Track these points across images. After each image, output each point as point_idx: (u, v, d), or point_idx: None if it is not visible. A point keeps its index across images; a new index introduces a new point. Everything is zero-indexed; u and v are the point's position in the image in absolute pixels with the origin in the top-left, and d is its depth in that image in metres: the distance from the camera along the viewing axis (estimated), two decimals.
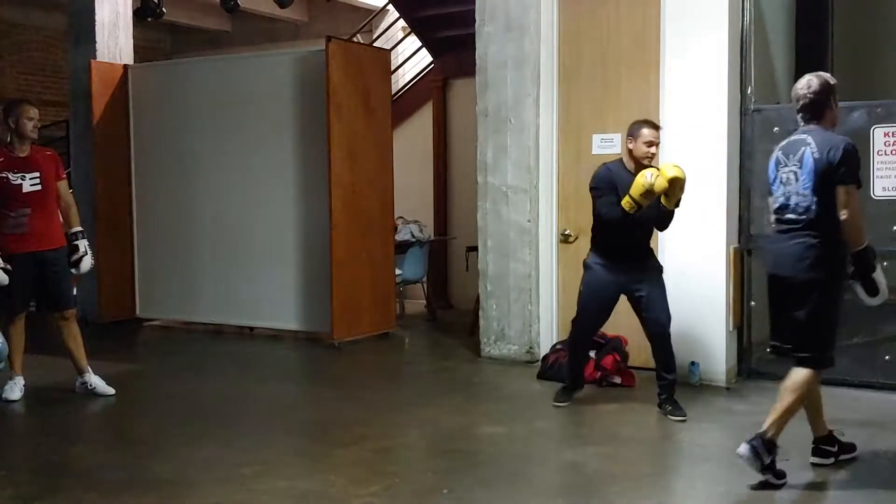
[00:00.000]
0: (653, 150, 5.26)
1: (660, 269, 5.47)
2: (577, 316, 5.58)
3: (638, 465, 4.59)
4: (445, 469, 4.47)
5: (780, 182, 4.27)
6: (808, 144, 4.17)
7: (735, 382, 6.14)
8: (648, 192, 4.98)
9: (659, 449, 4.93)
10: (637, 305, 5.40)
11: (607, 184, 5.29)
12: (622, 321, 6.49)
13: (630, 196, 5.04)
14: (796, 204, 4.19)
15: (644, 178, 5.00)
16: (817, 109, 4.24)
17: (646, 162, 5.24)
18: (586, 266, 5.48)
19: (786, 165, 4.25)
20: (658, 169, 5.06)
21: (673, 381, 5.41)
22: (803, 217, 4.16)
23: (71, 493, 4.19)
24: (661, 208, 5.17)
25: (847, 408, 5.55)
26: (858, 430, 4.77)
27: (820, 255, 4.11)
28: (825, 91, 4.22)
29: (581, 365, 5.72)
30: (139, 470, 4.49)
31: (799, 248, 4.15)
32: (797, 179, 4.18)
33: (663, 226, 5.44)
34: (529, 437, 5.07)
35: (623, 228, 5.22)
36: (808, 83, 4.25)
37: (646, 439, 5.04)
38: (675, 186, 5.01)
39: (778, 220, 4.30)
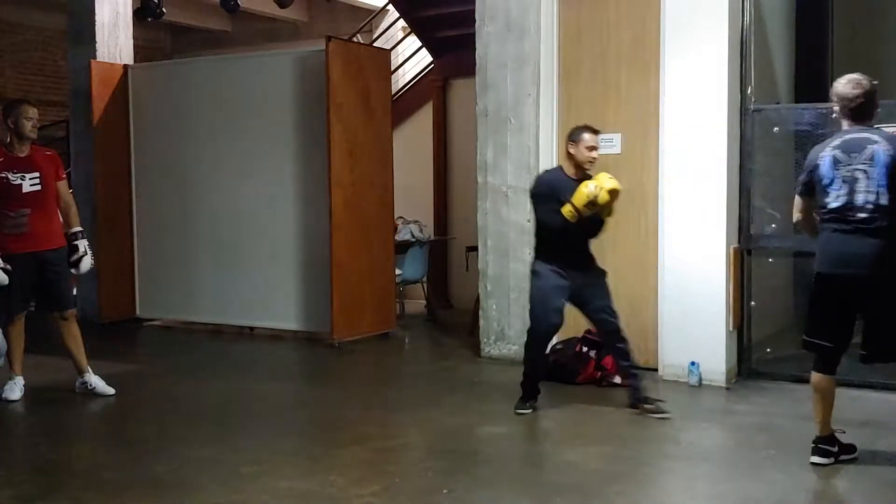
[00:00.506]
0: (594, 154, 5.33)
1: (604, 272, 5.50)
2: (531, 324, 5.53)
3: (638, 465, 4.59)
4: (445, 469, 4.47)
5: (843, 181, 4.23)
6: (877, 143, 4.17)
7: (735, 382, 6.14)
8: (591, 203, 5.08)
9: (659, 449, 4.92)
10: (586, 308, 5.48)
11: (548, 190, 5.35)
12: (622, 321, 6.51)
13: (573, 205, 5.12)
14: (866, 202, 4.16)
15: (588, 189, 5.09)
16: (869, 110, 4.31)
17: (587, 166, 5.32)
18: (534, 273, 5.47)
19: (848, 164, 4.21)
20: (597, 180, 5.14)
21: (640, 374, 5.50)
22: (876, 215, 4.15)
23: (71, 493, 4.19)
24: (595, 217, 5.27)
25: (847, 408, 5.55)
26: (858, 430, 4.77)
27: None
28: (874, 91, 4.29)
29: (540, 372, 5.63)
30: (139, 470, 4.49)
31: (877, 247, 4.14)
32: (868, 178, 4.16)
33: (596, 234, 5.47)
34: (529, 437, 5.08)
35: (566, 233, 5.27)
36: (857, 84, 4.29)
37: (646, 439, 5.04)
38: (613, 198, 5.13)
39: (840, 220, 4.24)
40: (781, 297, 6.79)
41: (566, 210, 5.13)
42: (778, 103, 6.81)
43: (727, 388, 6.02)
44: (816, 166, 4.34)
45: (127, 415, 5.80)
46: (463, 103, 9.15)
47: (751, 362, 6.26)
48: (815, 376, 4.37)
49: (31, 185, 5.73)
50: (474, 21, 6.98)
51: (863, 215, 4.18)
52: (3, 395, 5.83)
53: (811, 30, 7.34)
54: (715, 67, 6.03)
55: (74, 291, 6.34)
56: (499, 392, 6.05)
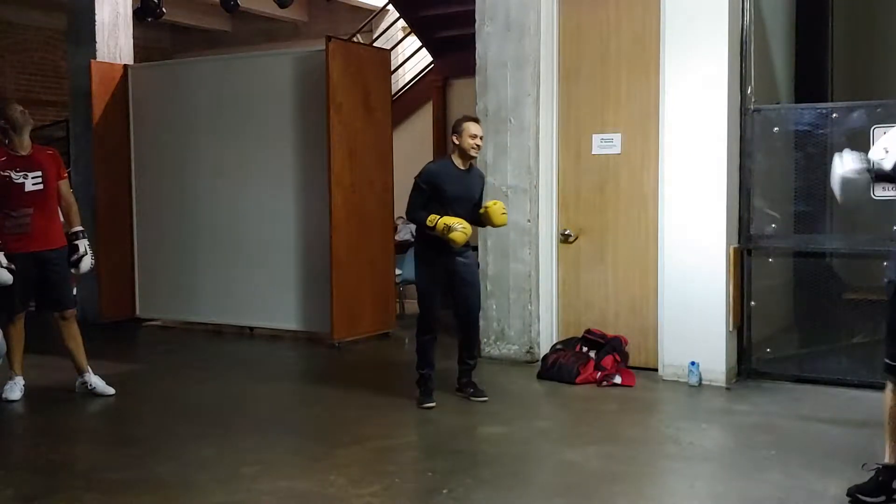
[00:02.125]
0: (476, 141, 5.56)
1: (477, 263, 5.89)
2: (419, 311, 5.69)
3: (638, 465, 4.59)
4: (445, 469, 4.47)
5: None
6: None
7: (735, 382, 6.14)
8: (444, 234, 5.34)
9: (659, 449, 4.92)
10: (454, 291, 5.66)
11: (429, 184, 5.54)
12: (622, 321, 6.52)
13: (439, 219, 5.35)
14: None
15: (451, 224, 5.32)
16: None
17: (472, 153, 5.57)
18: (417, 258, 5.68)
19: None
20: (460, 224, 5.36)
21: (474, 366, 5.82)
22: None
23: (71, 493, 4.19)
24: (473, 216, 5.61)
25: (847, 408, 5.56)
26: (858, 430, 4.77)
27: None
28: None
29: (432, 360, 5.70)
30: (139, 470, 4.49)
31: None
32: None
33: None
34: (529, 437, 5.07)
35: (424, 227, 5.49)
36: None
37: (646, 439, 5.04)
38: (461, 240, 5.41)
39: None
40: (781, 297, 6.78)
41: (431, 219, 5.38)
42: (778, 103, 6.80)
43: (727, 388, 6.02)
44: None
45: (127, 415, 5.80)
46: (463, 103, 9.16)
47: (751, 362, 6.26)
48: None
49: (33, 185, 5.73)
50: (474, 21, 6.98)
51: None
52: (3, 395, 5.83)
53: (811, 30, 7.34)
54: (715, 67, 6.03)
55: (75, 291, 6.34)
56: (499, 392, 6.04)
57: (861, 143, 5.90)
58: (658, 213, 6.31)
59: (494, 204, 5.72)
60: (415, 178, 5.61)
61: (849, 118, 5.82)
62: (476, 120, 5.72)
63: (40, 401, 5.93)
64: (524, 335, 6.83)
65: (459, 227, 5.35)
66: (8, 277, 5.52)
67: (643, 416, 5.39)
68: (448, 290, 5.66)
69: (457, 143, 5.58)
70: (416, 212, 5.52)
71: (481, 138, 5.62)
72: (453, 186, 5.52)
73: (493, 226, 5.80)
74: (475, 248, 6.11)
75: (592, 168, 6.65)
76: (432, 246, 5.52)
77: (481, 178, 5.88)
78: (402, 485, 4.29)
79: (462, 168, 5.60)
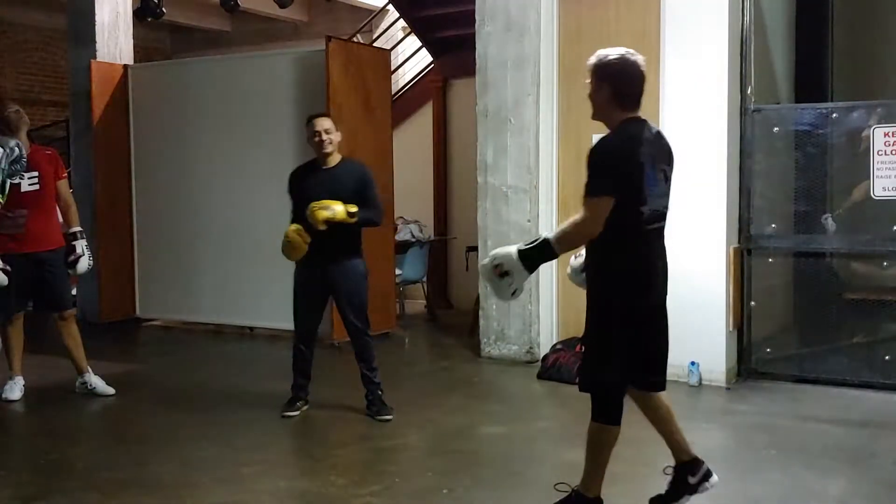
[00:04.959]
0: (319, 137, 5.33)
1: (361, 273, 5.48)
2: (294, 319, 5.64)
3: (638, 465, 4.59)
4: (445, 469, 4.47)
5: None
6: None
7: (735, 382, 6.14)
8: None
9: (659, 449, 4.91)
10: (335, 302, 5.58)
11: (289, 188, 5.49)
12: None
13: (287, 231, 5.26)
14: None
15: (285, 234, 5.24)
16: None
17: (327, 149, 5.34)
18: (296, 265, 5.54)
19: None
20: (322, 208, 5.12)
21: (377, 379, 5.49)
22: None
23: (71, 493, 4.20)
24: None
25: (847, 408, 5.56)
26: (858, 430, 4.77)
27: None
28: None
29: (306, 370, 5.62)
30: (139, 470, 4.49)
31: None
32: None
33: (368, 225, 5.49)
34: (529, 437, 5.07)
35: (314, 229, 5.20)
36: None
37: (646, 439, 5.02)
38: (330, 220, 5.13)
39: None
40: (781, 297, 6.79)
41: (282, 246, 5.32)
42: (778, 103, 6.80)
43: (727, 388, 6.02)
44: None
45: (127, 415, 5.80)
46: (463, 103, 9.15)
47: (751, 362, 6.26)
48: None
49: (29, 185, 5.72)
50: (474, 21, 6.98)
51: None
52: (3, 395, 5.83)
53: (811, 30, 7.34)
54: (715, 67, 6.03)
55: (74, 291, 6.33)
56: (499, 392, 6.05)
57: (861, 143, 5.92)
58: None
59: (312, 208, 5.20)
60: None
61: (849, 118, 5.83)
62: (319, 115, 5.52)
63: (40, 401, 5.93)
64: (524, 335, 6.83)
65: (284, 238, 5.22)
66: (2, 279, 5.50)
67: (643, 416, 5.38)
68: (332, 298, 5.58)
69: (310, 145, 5.45)
70: (291, 213, 5.42)
71: (326, 131, 5.32)
72: (311, 188, 5.28)
73: (317, 226, 5.18)
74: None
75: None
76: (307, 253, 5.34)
77: (357, 172, 5.48)
78: (402, 485, 4.29)
79: (326, 167, 5.39)
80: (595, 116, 3.62)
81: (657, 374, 3.74)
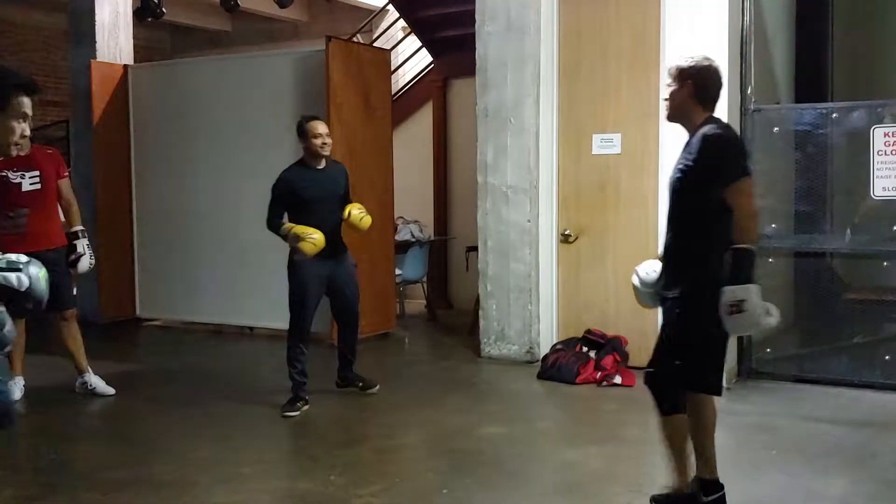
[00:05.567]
0: (322, 140, 5.51)
1: (354, 265, 5.79)
2: (292, 318, 5.60)
3: (638, 465, 4.59)
4: (445, 469, 4.47)
5: None
6: None
7: (735, 382, 6.13)
8: (294, 244, 5.31)
9: (659, 449, 4.91)
10: (335, 295, 5.71)
11: (285, 191, 5.52)
12: (622, 321, 6.51)
13: (292, 228, 5.32)
14: None
15: (301, 234, 5.28)
16: None
17: (324, 151, 5.52)
18: (291, 264, 5.55)
19: None
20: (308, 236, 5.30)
21: (353, 361, 5.96)
22: None
23: (71, 493, 4.20)
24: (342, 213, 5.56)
25: (847, 408, 5.56)
26: (858, 430, 4.77)
27: None
28: None
29: (304, 368, 5.63)
30: (139, 470, 4.49)
31: None
32: None
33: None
34: (529, 437, 5.07)
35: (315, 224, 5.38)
36: None
37: (646, 439, 5.03)
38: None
39: None
40: (781, 297, 6.78)
41: (286, 229, 5.35)
42: (778, 103, 6.80)
43: (727, 388, 6.00)
44: None
45: (127, 415, 5.80)
46: (463, 103, 9.15)
47: (751, 362, 6.26)
48: None
49: (30, 184, 5.72)
50: (474, 21, 6.98)
51: None
52: None
53: (811, 30, 7.34)
54: None
55: (75, 291, 6.33)
56: (499, 392, 6.05)
57: (861, 143, 5.92)
58: (658, 213, 6.30)
59: (350, 211, 5.55)
60: (272, 187, 5.57)
61: (849, 118, 5.82)
62: (316, 118, 5.65)
63: (40, 401, 5.93)
64: (524, 335, 6.83)
65: (310, 238, 5.28)
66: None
67: (643, 416, 5.38)
68: (329, 294, 5.70)
69: (305, 145, 5.55)
70: (272, 220, 5.50)
71: (328, 134, 5.56)
72: (310, 189, 5.47)
73: (359, 231, 5.69)
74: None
75: (592, 168, 6.65)
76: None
77: (344, 172, 5.81)
78: (402, 485, 4.29)
79: (318, 168, 5.57)
80: (671, 117, 3.71)
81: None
